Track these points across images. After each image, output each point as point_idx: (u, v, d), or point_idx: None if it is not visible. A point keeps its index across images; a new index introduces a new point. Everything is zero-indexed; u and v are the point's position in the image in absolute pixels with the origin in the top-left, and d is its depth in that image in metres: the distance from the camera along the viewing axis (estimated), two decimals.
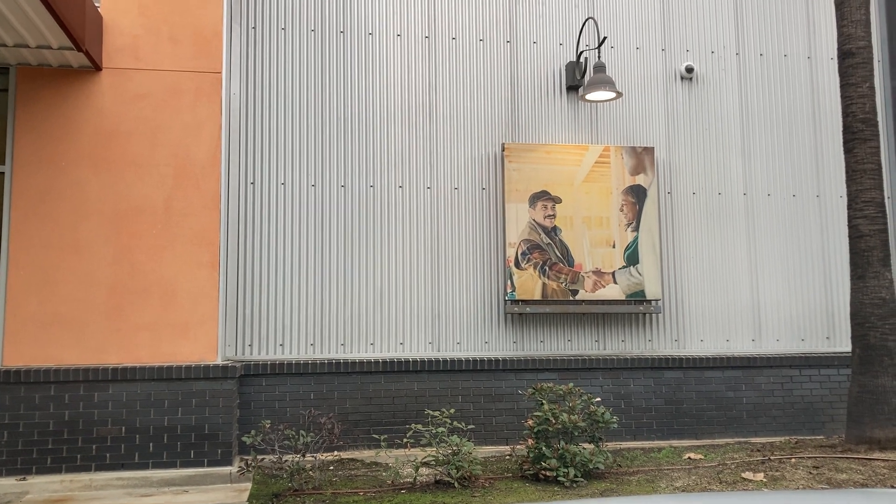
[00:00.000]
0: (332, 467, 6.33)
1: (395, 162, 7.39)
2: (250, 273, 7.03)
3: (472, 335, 7.33)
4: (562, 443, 5.79)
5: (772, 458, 6.26)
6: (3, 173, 6.32)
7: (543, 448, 5.79)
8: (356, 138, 7.34)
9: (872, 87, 6.66)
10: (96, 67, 6.40)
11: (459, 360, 7.10)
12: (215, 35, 6.66)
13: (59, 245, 6.25)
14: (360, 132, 7.36)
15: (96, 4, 6.39)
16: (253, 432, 6.02)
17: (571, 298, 7.34)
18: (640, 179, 7.56)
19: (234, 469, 6.20)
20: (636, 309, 7.47)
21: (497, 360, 7.16)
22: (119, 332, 6.27)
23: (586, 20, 7.66)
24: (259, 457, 5.89)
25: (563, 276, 7.34)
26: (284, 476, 5.79)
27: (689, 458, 6.50)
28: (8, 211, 6.25)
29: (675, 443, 7.25)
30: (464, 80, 7.60)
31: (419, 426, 6.00)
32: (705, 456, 6.52)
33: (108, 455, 6.13)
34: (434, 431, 5.80)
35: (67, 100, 6.39)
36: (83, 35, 5.89)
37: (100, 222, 6.33)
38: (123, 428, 6.17)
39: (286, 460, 5.81)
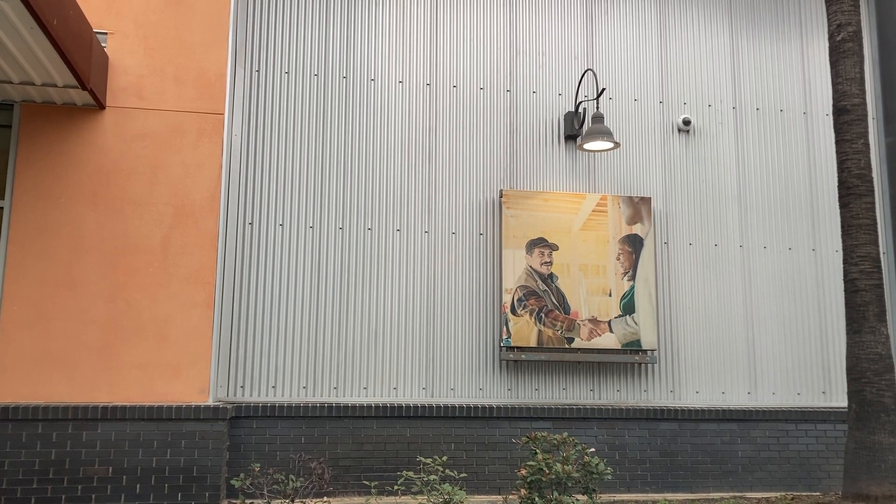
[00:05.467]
0: None
1: (394, 205, 7.42)
2: (245, 314, 7.00)
3: (467, 381, 7.27)
4: (555, 493, 5.70)
5: None
6: (3, 208, 6.33)
7: (536, 498, 5.70)
8: (355, 181, 7.38)
9: (867, 144, 6.73)
10: (100, 106, 6.47)
11: (453, 407, 7.04)
12: (219, 77, 6.75)
13: (53, 281, 6.24)
14: (360, 175, 7.40)
15: (103, 45, 6.48)
16: (242, 475, 5.94)
17: (567, 346, 7.31)
18: (637, 229, 7.59)
19: None
20: (632, 359, 7.43)
21: (491, 408, 7.09)
22: (111, 370, 6.22)
23: (585, 71, 7.78)
24: (248, 501, 5.79)
25: (560, 323, 7.32)
26: None
27: None
28: (5, 245, 6.25)
29: (669, 496, 7.15)
30: (463, 126, 7.67)
31: (411, 473, 5.91)
32: None
33: (93, 496, 6.03)
34: (426, 479, 5.72)
35: (70, 137, 6.44)
36: (88, 74, 5.96)
37: (96, 259, 6.32)
38: (111, 468, 6.08)
39: None
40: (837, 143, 6.84)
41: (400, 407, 6.96)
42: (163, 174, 6.52)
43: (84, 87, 6.01)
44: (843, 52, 6.82)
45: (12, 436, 5.98)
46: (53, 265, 6.26)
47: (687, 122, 8.02)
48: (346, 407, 6.88)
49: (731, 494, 7.28)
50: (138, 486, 6.09)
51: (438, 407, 7.01)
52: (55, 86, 6.02)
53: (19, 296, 6.19)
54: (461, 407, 7.04)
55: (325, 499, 6.50)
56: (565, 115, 7.83)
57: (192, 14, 6.76)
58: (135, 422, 6.15)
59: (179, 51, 6.71)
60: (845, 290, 6.67)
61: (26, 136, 6.38)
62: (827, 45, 7.37)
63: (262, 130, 7.29)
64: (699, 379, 7.66)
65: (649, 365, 7.57)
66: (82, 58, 5.77)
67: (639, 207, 7.64)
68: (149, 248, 6.41)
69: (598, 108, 7.42)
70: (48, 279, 6.24)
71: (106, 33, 6.56)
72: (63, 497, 5.99)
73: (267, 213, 7.18)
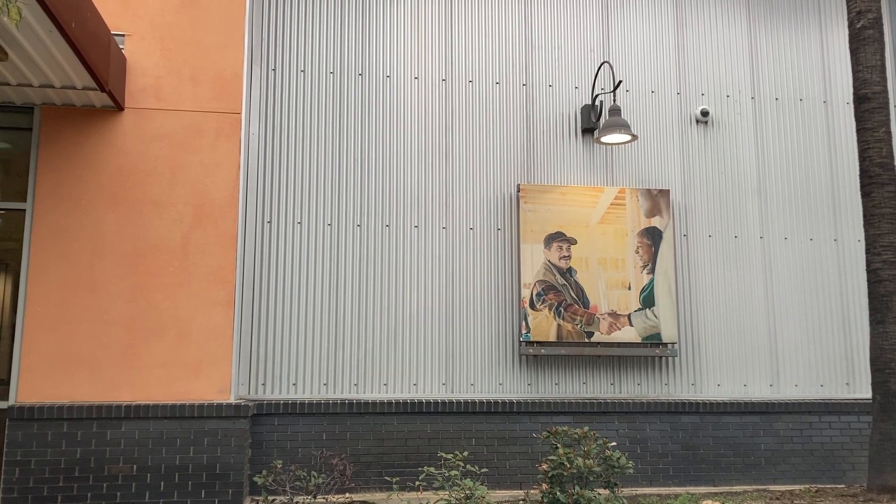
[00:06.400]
0: None
1: (411, 202, 7.42)
2: (265, 311, 7.03)
3: (487, 376, 7.27)
4: (577, 488, 5.69)
5: None
6: (25, 210, 6.40)
7: (558, 493, 5.69)
8: (372, 178, 7.39)
9: (889, 132, 6.65)
10: (119, 107, 6.51)
11: (473, 402, 7.04)
12: (235, 77, 6.78)
13: (75, 282, 6.30)
14: (377, 172, 7.41)
15: (121, 47, 6.53)
16: (264, 472, 5.97)
17: (587, 340, 7.28)
18: (656, 222, 7.55)
19: None
20: (652, 352, 7.40)
21: (511, 403, 7.09)
22: (133, 369, 6.28)
23: (602, 64, 7.73)
24: (270, 497, 5.83)
25: (579, 317, 7.30)
26: None
27: None
28: (28, 248, 6.32)
29: (691, 489, 7.12)
30: (480, 121, 7.66)
31: (432, 469, 5.91)
32: (723, 503, 6.39)
33: (118, 494, 6.09)
34: (447, 474, 5.72)
35: (89, 139, 6.49)
36: (107, 76, 6.01)
37: (117, 260, 6.38)
38: (135, 466, 6.14)
39: (297, 501, 5.75)
40: (858, 131, 6.77)
41: (420, 403, 6.97)
42: (182, 174, 6.56)
43: (103, 89, 6.06)
44: (863, 40, 6.74)
45: (38, 435, 6.05)
46: (75, 266, 6.33)
47: (705, 114, 7.96)
48: (366, 403, 6.90)
49: (755, 487, 7.23)
50: (162, 483, 6.15)
51: (458, 402, 7.02)
52: (74, 88, 6.08)
53: (42, 297, 6.25)
54: (481, 402, 7.05)
55: (347, 495, 6.53)
56: (582, 109, 7.79)
57: (208, 14, 6.79)
58: (158, 420, 6.21)
59: (196, 51, 6.74)
60: (868, 281, 6.61)
61: (47, 139, 6.44)
62: (847, 32, 7.28)
63: (279, 129, 7.32)
64: (721, 372, 7.61)
65: (670, 358, 7.53)
66: (100, 60, 5.82)
67: (657, 200, 7.59)
68: (169, 249, 6.46)
69: (614, 100, 7.37)
70: (70, 280, 6.30)
71: (123, 35, 6.60)
72: (89, 495, 6.06)
73: (285, 211, 7.21)
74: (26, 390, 6.14)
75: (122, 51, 6.56)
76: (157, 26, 6.70)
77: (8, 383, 6.19)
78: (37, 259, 6.29)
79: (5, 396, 6.17)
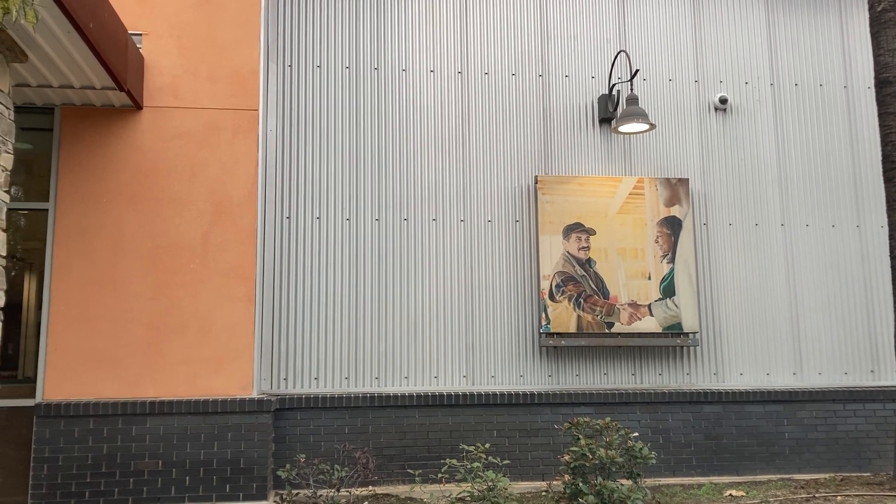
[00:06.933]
0: (366, 502, 6.29)
1: (429, 195, 7.42)
2: (285, 307, 7.07)
3: (507, 368, 7.27)
4: (599, 479, 5.68)
5: (817, 495, 6.09)
6: (48, 210, 6.47)
7: (580, 484, 5.69)
8: (390, 172, 7.40)
9: None
10: (137, 106, 6.56)
11: (494, 394, 7.05)
12: (252, 73, 6.80)
13: (97, 281, 6.36)
14: (394, 166, 7.42)
15: (138, 46, 6.57)
16: (288, 466, 6.02)
17: (607, 331, 7.26)
18: (675, 211, 7.50)
19: (269, 503, 6.20)
20: (673, 342, 7.36)
21: (532, 394, 7.09)
22: (156, 366, 6.34)
23: (618, 53, 7.69)
24: (294, 491, 5.87)
25: (599, 308, 7.28)
26: None
27: (730, 494, 6.35)
28: (51, 247, 6.39)
29: (715, 479, 7.09)
30: (496, 113, 7.64)
31: (454, 461, 5.94)
32: (747, 493, 6.36)
33: (144, 489, 6.16)
34: (469, 466, 5.74)
35: (109, 138, 6.55)
36: (125, 75, 6.05)
37: (138, 258, 6.43)
38: (160, 461, 6.21)
39: (321, 495, 5.79)
40: (880, 116, 6.68)
41: (441, 395, 6.99)
42: (200, 172, 6.60)
43: (121, 89, 6.10)
44: (883, 23, 6.65)
45: (65, 432, 6.13)
46: (97, 265, 6.39)
47: (724, 101, 7.89)
48: (387, 396, 6.93)
49: (779, 477, 7.19)
50: (187, 478, 6.21)
51: (479, 395, 7.03)
52: (93, 88, 6.12)
53: (65, 296, 6.33)
54: (502, 394, 7.05)
55: (370, 488, 6.56)
56: (599, 98, 7.75)
57: (224, 12, 6.82)
58: (182, 416, 6.27)
59: (212, 49, 6.77)
60: (892, 267, 6.54)
61: (67, 139, 6.51)
62: (867, 15, 7.18)
63: (297, 125, 7.34)
64: (743, 361, 7.57)
65: (691, 348, 7.49)
66: (119, 59, 5.86)
67: (676, 189, 7.54)
68: (189, 246, 6.51)
69: (632, 89, 7.33)
70: (92, 279, 6.36)
71: (140, 34, 6.64)
72: (116, 490, 6.13)
73: (304, 206, 7.23)
74: (52, 388, 6.22)
75: (140, 50, 6.60)
76: (173, 25, 6.73)
77: (34, 381, 6.28)
78: (60, 258, 6.36)
79: (32, 394, 6.25)
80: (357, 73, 7.50)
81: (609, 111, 7.65)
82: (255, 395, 6.45)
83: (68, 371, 6.24)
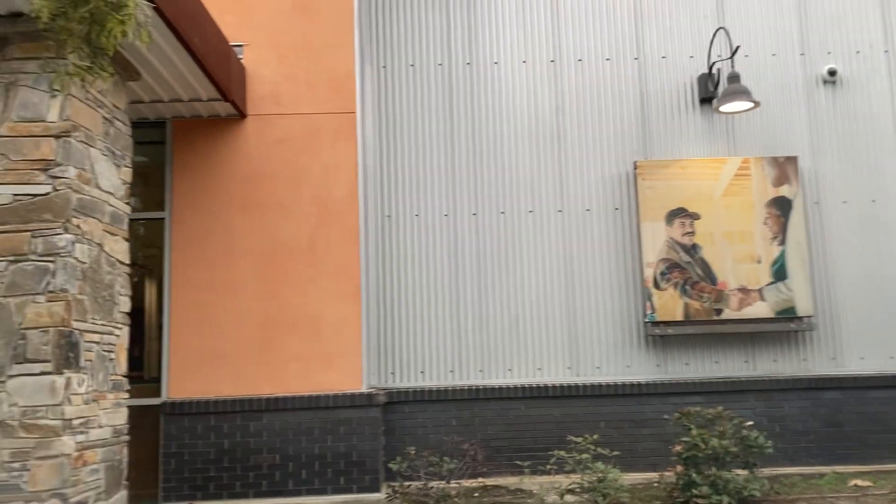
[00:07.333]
0: (476, 494, 6.35)
1: (525, 187, 7.40)
2: (389, 303, 7.21)
3: (612, 359, 7.18)
4: (713, 469, 5.55)
5: None
6: (164, 219, 6.81)
7: (693, 475, 5.57)
8: (485, 166, 7.42)
9: None
10: (241, 115, 6.82)
11: (600, 385, 6.98)
12: (348, 76, 6.95)
13: (213, 285, 6.66)
14: (489, 160, 7.43)
15: (239, 57, 6.82)
16: (399, 458, 6.14)
17: (716, 318, 7.06)
18: (784, 191, 7.20)
19: (381, 496, 6.34)
20: (787, 326, 7.08)
21: (639, 385, 6.98)
22: (269, 364, 6.58)
23: (717, 30, 7.42)
24: (406, 483, 5.99)
25: (706, 294, 7.08)
26: (430, 503, 5.86)
27: (855, 485, 6.08)
28: (168, 254, 6.73)
29: (838, 468, 6.78)
30: (591, 100, 7.53)
31: (562, 452, 5.91)
32: (874, 483, 6.07)
33: (263, 482, 6.43)
34: (578, 458, 5.71)
35: (217, 147, 6.84)
36: (229, 86, 6.31)
37: (249, 261, 6.70)
38: (277, 456, 6.46)
39: (431, 487, 5.88)
40: None
41: (546, 387, 6.98)
42: (304, 175, 6.80)
43: (226, 99, 6.36)
44: None
45: (189, 428, 6.46)
46: (211, 269, 6.69)
47: (832, 73, 7.51)
48: (492, 389, 6.97)
49: None
50: (304, 472, 6.44)
51: (585, 386, 6.97)
52: (200, 100, 6.41)
53: (183, 299, 6.65)
54: (608, 385, 6.97)
55: (480, 479, 6.61)
56: (699, 78, 7.51)
57: (319, 18, 6.99)
58: (296, 411, 6.49)
59: (309, 55, 6.95)
60: None
61: (179, 150, 6.83)
62: None
63: (393, 124, 7.45)
64: (863, 344, 7.20)
65: (807, 332, 7.18)
66: (223, 71, 6.11)
67: (784, 168, 7.24)
68: (296, 248, 6.72)
69: (733, 67, 7.07)
70: (207, 283, 6.66)
71: (241, 45, 6.89)
72: (237, 483, 6.42)
73: (403, 204, 7.35)
74: (175, 387, 6.56)
75: (241, 60, 6.85)
76: (271, 34, 6.95)
77: (159, 381, 6.63)
78: (177, 264, 6.70)
79: (157, 393, 6.61)
80: (450, 69, 7.55)
81: (709, 91, 7.41)
82: (364, 389, 6.61)
83: (190, 371, 6.57)
